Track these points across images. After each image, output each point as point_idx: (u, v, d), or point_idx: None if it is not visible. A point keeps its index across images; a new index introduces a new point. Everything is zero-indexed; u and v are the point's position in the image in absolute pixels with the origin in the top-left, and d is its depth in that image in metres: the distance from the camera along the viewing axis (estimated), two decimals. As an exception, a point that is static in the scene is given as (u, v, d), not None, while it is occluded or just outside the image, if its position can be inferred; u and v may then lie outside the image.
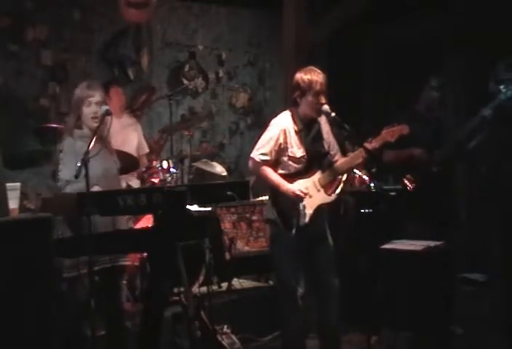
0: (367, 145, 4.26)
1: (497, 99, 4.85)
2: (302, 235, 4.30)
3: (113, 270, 4.11)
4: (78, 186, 3.88)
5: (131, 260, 4.53)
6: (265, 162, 4.32)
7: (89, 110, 4.11)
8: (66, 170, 4.02)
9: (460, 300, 4.82)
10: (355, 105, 7.18)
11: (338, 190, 4.43)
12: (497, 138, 4.97)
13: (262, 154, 4.32)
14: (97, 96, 4.14)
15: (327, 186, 4.39)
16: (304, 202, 4.28)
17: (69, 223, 3.96)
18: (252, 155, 4.37)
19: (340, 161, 4.42)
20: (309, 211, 4.30)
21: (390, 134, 4.34)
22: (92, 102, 4.11)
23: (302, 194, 4.24)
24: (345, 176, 4.49)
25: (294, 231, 4.27)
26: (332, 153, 4.45)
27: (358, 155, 4.33)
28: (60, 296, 3.79)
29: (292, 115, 4.36)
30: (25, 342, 3.36)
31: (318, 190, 4.36)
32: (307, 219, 4.29)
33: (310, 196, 4.31)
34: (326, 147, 4.41)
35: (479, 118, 4.92)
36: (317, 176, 4.36)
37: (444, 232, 5.05)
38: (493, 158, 5.04)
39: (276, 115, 4.48)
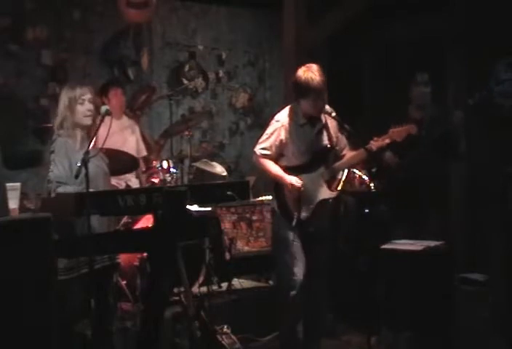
0: (372, 144, 4.25)
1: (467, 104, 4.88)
2: (303, 229, 4.30)
3: (107, 269, 4.10)
4: (69, 189, 3.88)
5: (122, 258, 4.51)
6: (265, 156, 4.34)
7: (83, 108, 4.07)
8: (57, 171, 3.99)
9: (459, 300, 4.81)
10: (355, 105, 7.17)
11: (339, 187, 4.44)
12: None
13: (262, 148, 4.37)
14: (88, 93, 4.11)
15: (331, 182, 4.40)
16: (306, 195, 4.28)
17: (58, 225, 3.91)
18: (254, 149, 4.43)
19: (342, 158, 4.42)
20: (311, 205, 4.31)
21: (397, 133, 4.30)
22: (86, 100, 4.08)
23: (297, 184, 4.24)
24: (345, 174, 4.50)
25: (294, 222, 4.27)
26: (337, 148, 4.44)
27: (358, 154, 4.33)
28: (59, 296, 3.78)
29: (296, 110, 4.37)
30: (25, 342, 3.36)
31: (321, 186, 4.36)
32: (308, 212, 4.30)
33: (314, 191, 4.31)
34: (330, 142, 4.40)
35: (454, 119, 4.94)
36: (321, 171, 4.37)
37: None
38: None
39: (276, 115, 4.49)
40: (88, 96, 4.10)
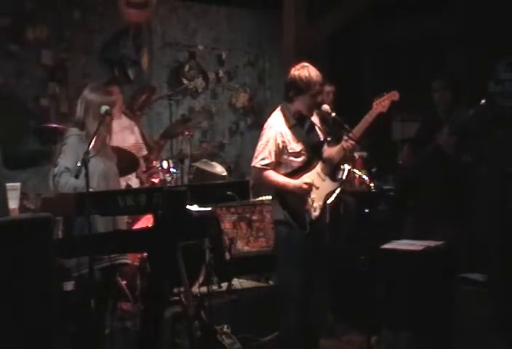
0: (355, 131, 4.29)
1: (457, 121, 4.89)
2: (311, 230, 4.30)
3: (111, 269, 4.10)
4: (72, 181, 3.89)
5: (131, 259, 4.52)
6: (267, 166, 4.30)
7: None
8: (65, 159, 4.04)
9: (460, 300, 4.81)
10: (355, 104, 7.17)
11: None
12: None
13: (262, 159, 4.30)
14: (114, 106, 4.19)
15: (331, 174, 4.41)
16: (313, 195, 4.29)
17: (69, 223, 3.96)
18: (252, 164, 4.36)
19: (329, 149, 4.43)
20: (319, 203, 4.32)
21: (381, 105, 4.35)
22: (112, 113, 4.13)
23: (307, 186, 4.25)
24: (345, 173, 4.51)
25: (308, 228, 4.27)
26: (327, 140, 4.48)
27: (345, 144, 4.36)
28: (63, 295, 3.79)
29: (283, 113, 4.36)
30: (25, 342, 3.36)
31: (324, 180, 4.37)
32: (318, 211, 4.30)
33: (317, 188, 4.32)
34: (320, 136, 4.43)
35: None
36: (319, 167, 4.37)
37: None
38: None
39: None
40: (113, 109, 4.16)
